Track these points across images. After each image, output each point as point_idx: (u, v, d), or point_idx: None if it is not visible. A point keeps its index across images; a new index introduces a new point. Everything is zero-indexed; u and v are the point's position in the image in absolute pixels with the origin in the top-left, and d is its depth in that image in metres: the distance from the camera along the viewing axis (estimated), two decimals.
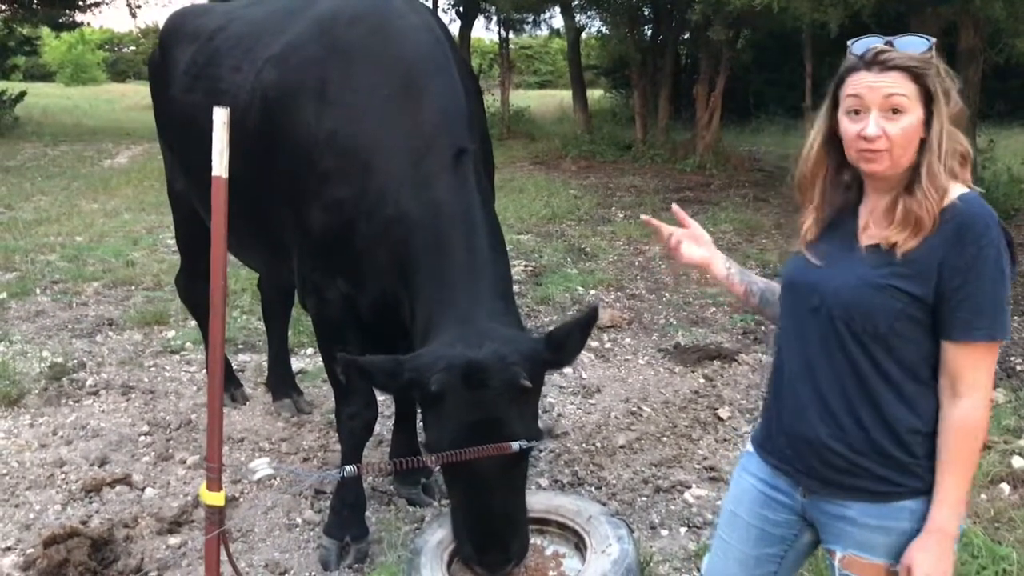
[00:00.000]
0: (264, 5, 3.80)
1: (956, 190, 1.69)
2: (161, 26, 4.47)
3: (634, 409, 4.59)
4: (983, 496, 3.57)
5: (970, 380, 1.66)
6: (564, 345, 2.48)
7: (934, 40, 1.69)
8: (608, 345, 5.60)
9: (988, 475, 3.70)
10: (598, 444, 4.18)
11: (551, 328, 2.72)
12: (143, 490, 3.70)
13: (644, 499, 3.69)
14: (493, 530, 2.51)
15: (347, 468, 2.47)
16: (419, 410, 3.03)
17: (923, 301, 1.67)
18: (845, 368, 1.75)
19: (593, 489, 3.75)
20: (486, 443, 2.29)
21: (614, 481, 3.83)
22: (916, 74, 1.67)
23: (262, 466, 2.20)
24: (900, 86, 1.67)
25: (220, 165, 2.14)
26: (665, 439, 4.26)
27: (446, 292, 2.64)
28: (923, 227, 1.67)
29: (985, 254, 1.63)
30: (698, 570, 2.96)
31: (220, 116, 2.12)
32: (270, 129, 3.14)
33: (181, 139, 3.93)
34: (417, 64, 2.98)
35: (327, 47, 3.11)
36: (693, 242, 2.10)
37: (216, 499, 2.20)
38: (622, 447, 4.15)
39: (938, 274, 1.65)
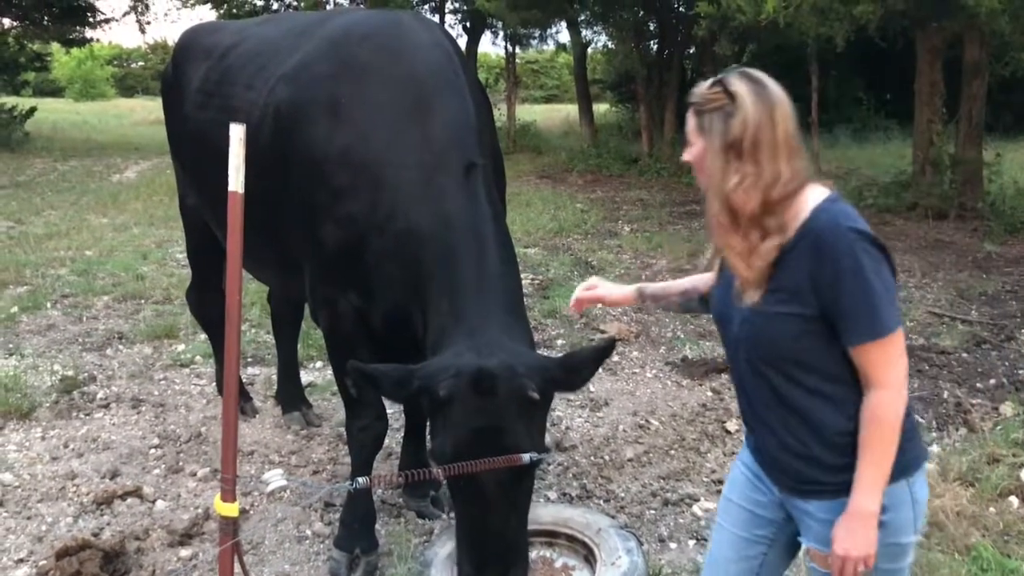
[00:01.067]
0: (276, 23, 3.85)
1: (813, 197, 1.76)
2: (170, 42, 4.54)
3: (642, 422, 4.60)
4: (992, 509, 3.57)
5: (878, 375, 1.74)
6: (577, 370, 2.50)
7: (720, 77, 1.79)
8: (616, 358, 5.60)
9: (997, 488, 3.69)
10: (606, 457, 4.19)
11: (565, 350, 2.74)
12: (154, 502, 3.73)
13: (652, 512, 3.69)
14: (493, 548, 2.43)
15: (357, 480, 2.47)
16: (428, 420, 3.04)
17: (813, 317, 1.75)
18: (767, 387, 1.87)
19: (601, 502, 3.76)
20: (491, 451, 2.27)
21: (622, 494, 3.83)
22: (695, 110, 1.83)
23: (276, 478, 2.21)
24: (689, 120, 1.85)
25: (236, 181, 2.16)
26: (673, 452, 4.26)
27: (456, 306, 2.65)
28: (745, 275, 1.79)
29: (843, 266, 1.69)
30: None
31: (237, 132, 2.14)
32: (282, 146, 3.17)
33: (193, 155, 3.97)
34: (428, 81, 3.01)
35: (339, 64, 3.14)
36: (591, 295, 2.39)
37: (230, 510, 2.22)
38: (630, 460, 4.16)
39: (813, 292, 1.73)
